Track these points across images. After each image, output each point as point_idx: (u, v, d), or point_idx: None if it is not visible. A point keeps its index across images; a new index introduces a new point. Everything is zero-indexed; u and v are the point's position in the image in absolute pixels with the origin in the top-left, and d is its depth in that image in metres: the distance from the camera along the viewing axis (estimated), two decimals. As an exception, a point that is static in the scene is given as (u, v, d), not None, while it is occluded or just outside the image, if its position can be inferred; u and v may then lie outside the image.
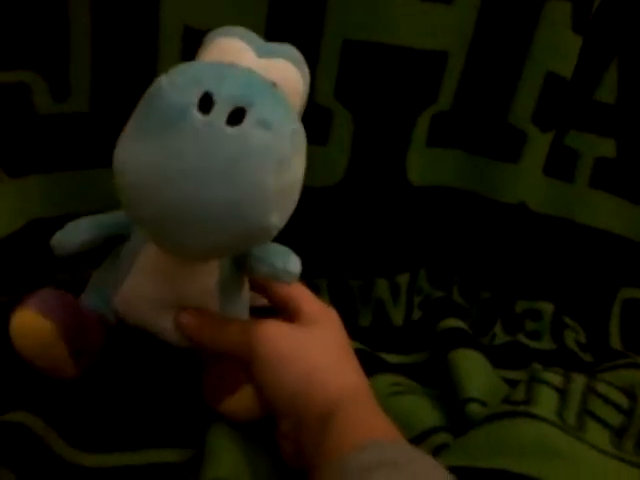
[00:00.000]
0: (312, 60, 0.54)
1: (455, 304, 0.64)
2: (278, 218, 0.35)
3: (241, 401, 0.42)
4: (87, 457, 0.41)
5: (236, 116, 0.32)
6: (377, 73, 0.56)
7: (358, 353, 0.45)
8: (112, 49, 0.49)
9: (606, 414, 0.47)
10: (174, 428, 0.44)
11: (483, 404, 0.50)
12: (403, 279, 0.64)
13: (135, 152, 0.33)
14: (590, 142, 0.64)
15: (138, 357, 0.46)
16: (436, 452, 0.45)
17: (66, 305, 0.41)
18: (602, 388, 0.49)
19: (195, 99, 0.32)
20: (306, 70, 0.41)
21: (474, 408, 0.49)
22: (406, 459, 0.34)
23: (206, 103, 0.32)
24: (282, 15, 0.52)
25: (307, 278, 0.60)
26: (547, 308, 0.67)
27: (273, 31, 0.52)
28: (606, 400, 0.48)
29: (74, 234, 0.42)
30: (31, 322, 0.39)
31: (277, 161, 0.33)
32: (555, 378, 0.48)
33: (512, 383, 0.55)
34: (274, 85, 0.36)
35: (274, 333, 0.41)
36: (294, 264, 0.40)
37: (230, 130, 0.32)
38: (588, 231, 0.67)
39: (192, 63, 0.36)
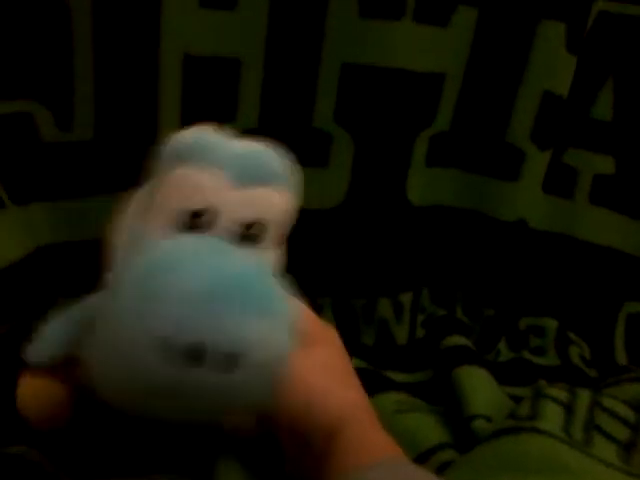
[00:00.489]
0: (311, 84, 0.55)
1: (458, 322, 0.64)
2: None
3: (240, 420, 0.42)
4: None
5: (228, 364, 0.31)
6: (376, 96, 0.57)
7: (362, 372, 0.45)
8: (114, 77, 0.50)
9: (613, 428, 0.47)
10: (178, 455, 0.44)
11: (489, 420, 0.50)
12: (406, 298, 0.64)
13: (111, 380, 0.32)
14: (588, 159, 0.65)
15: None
16: (442, 469, 0.45)
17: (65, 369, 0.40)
18: (608, 402, 0.48)
19: (183, 353, 0.30)
20: (291, 177, 0.36)
21: (480, 424, 0.49)
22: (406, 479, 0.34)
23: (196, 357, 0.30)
24: (281, 41, 0.53)
25: (311, 297, 0.61)
26: (551, 324, 0.67)
27: (272, 58, 0.53)
28: (612, 414, 0.48)
29: (45, 346, 0.39)
30: (41, 388, 0.39)
31: (265, 385, 0.33)
32: (560, 393, 0.48)
33: (517, 400, 0.55)
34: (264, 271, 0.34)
35: None
36: None
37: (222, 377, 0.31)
38: (589, 247, 0.67)
39: (155, 281, 0.31)
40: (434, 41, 0.56)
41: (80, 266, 0.52)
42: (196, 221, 0.34)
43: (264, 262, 0.35)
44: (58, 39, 0.48)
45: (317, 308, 0.61)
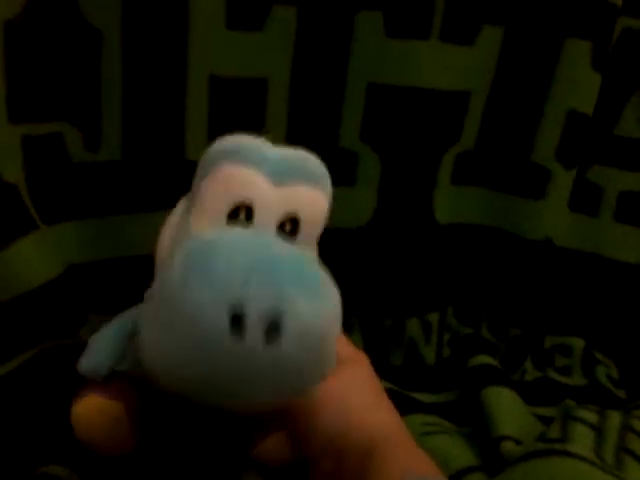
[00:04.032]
0: (337, 103, 0.55)
1: (484, 341, 0.64)
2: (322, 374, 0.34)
3: (273, 445, 0.42)
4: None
5: (270, 333, 0.30)
6: (402, 115, 0.57)
7: (390, 393, 0.44)
8: (142, 98, 0.51)
9: (644, 452, 0.46)
10: (208, 472, 0.44)
11: (517, 442, 0.49)
12: (434, 317, 0.64)
13: (170, 358, 0.31)
14: (613, 176, 0.65)
15: (171, 409, 0.46)
16: (472, 492, 0.45)
17: (121, 386, 0.40)
18: (639, 425, 0.48)
19: (225, 323, 0.29)
20: (327, 180, 0.38)
21: (508, 446, 0.49)
22: None
23: (237, 325, 0.29)
24: (307, 60, 0.53)
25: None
26: (577, 343, 0.67)
27: (298, 78, 0.54)
28: (644, 438, 0.47)
29: (100, 362, 0.39)
30: (100, 406, 0.38)
31: (315, 361, 0.32)
32: (590, 415, 0.48)
33: (544, 419, 0.55)
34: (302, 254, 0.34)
35: None
36: None
37: (266, 352, 0.30)
38: (615, 265, 0.66)
39: (205, 256, 0.31)
40: (460, 60, 0.56)
41: (111, 283, 0.53)
42: (238, 213, 0.35)
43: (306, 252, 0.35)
44: (89, 62, 0.48)
45: (347, 327, 0.61)
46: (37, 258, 0.48)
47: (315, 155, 0.39)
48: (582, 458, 0.43)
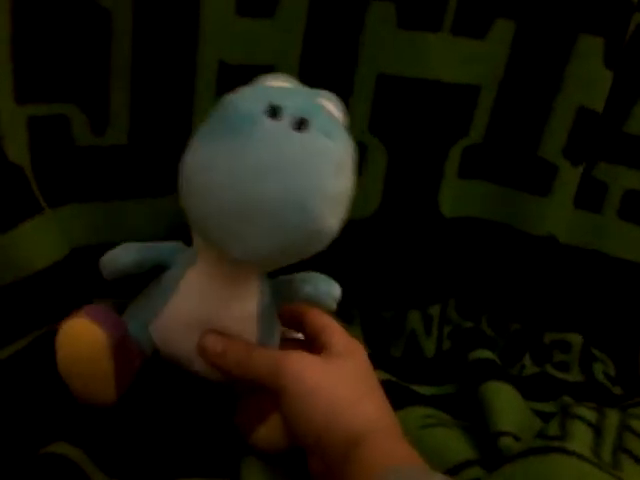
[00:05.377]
0: (346, 94, 0.55)
1: (484, 335, 0.64)
2: (335, 222, 0.38)
3: (269, 431, 0.43)
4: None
5: (300, 125, 0.36)
6: (411, 106, 0.57)
7: (389, 385, 0.45)
8: (150, 83, 0.50)
9: (642, 452, 0.46)
10: (209, 458, 0.44)
11: (516, 438, 0.50)
12: (435, 310, 0.64)
13: (207, 155, 0.37)
14: (619, 174, 0.65)
15: (173, 388, 0.46)
16: (469, 486, 0.45)
17: (115, 321, 0.42)
18: (637, 425, 0.48)
19: (264, 108, 0.36)
20: (345, 110, 0.43)
21: (507, 442, 0.49)
22: None
23: (273, 113, 0.36)
24: (316, 51, 0.53)
25: (341, 308, 0.61)
26: (576, 339, 0.67)
27: (307, 67, 0.53)
28: (642, 437, 0.47)
29: (124, 254, 0.43)
30: (84, 330, 0.40)
31: (336, 165, 0.37)
32: (589, 413, 0.48)
33: (541, 415, 0.55)
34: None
35: (301, 366, 0.41)
36: (336, 289, 0.44)
37: (297, 134, 0.36)
38: (617, 262, 0.67)
39: (256, 85, 0.40)
40: (471, 53, 0.56)
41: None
42: None
43: None
44: (97, 43, 0.48)
45: (347, 318, 0.61)
46: (41, 241, 0.48)
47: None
48: (580, 456, 0.43)
